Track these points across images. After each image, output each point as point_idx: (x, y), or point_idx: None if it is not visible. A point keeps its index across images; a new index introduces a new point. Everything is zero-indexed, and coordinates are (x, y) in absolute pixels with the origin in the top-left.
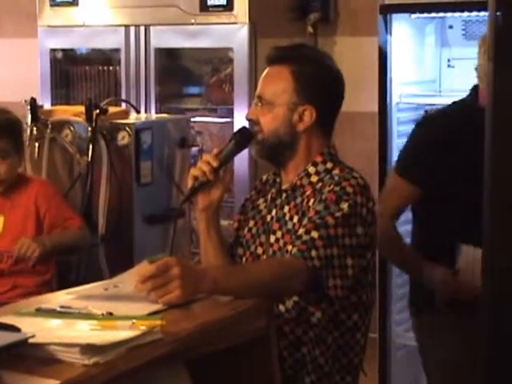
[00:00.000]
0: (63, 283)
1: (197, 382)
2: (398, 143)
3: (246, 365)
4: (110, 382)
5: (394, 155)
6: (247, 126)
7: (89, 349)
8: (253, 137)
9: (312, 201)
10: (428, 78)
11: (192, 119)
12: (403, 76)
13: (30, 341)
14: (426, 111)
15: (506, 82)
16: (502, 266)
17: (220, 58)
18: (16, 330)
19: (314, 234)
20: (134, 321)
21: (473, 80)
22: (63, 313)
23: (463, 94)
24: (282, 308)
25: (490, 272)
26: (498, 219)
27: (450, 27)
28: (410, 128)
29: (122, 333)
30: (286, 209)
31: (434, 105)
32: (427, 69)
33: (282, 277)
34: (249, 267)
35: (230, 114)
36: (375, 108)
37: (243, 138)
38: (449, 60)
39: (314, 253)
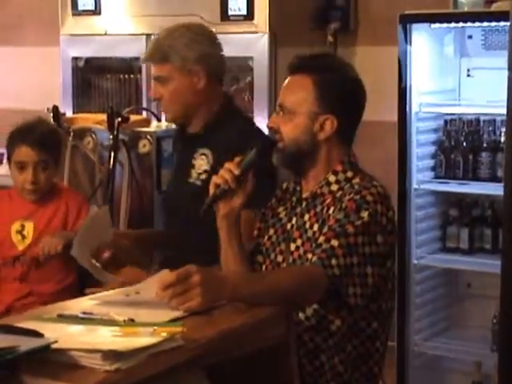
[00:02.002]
0: (83, 289)
1: None
2: (417, 152)
3: (265, 372)
4: None
5: (414, 164)
6: (268, 134)
7: (111, 355)
8: (274, 145)
9: (332, 209)
10: (447, 87)
11: None
12: (423, 85)
13: (53, 346)
14: (445, 121)
15: None
16: None
17: (240, 67)
18: (39, 335)
19: (334, 243)
20: (156, 327)
21: (492, 89)
22: (85, 319)
23: (482, 104)
24: (301, 316)
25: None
26: None
27: (470, 37)
28: (429, 137)
29: (143, 339)
30: (306, 217)
31: (453, 114)
32: (447, 78)
33: (302, 285)
34: (269, 275)
35: None
36: (395, 117)
37: (264, 146)
38: (468, 70)
39: (333, 261)
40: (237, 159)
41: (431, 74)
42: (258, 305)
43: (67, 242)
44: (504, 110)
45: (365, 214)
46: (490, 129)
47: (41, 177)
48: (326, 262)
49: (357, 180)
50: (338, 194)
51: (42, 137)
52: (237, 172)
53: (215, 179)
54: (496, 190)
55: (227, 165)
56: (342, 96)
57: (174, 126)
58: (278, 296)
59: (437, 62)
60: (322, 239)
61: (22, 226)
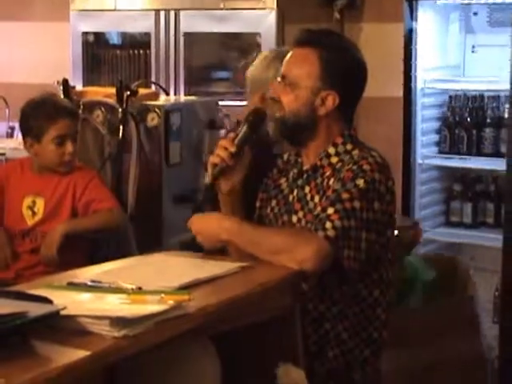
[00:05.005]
0: (92, 262)
1: (222, 356)
2: (422, 128)
3: (270, 341)
4: (139, 354)
5: (418, 140)
6: (259, 108)
7: (118, 321)
8: (265, 117)
9: (332, 180)
10: (452, 63)
11: (220, 102)
12: (428, 62)
13: (62, 313)
14: (449, 96)
15: None
16: None
17: (248, 43)
18: (48, 302)
19: (330, 210)
20: (163, 295)
21: (496, 66)
22: (94, 287)
23: (487, 80)
24: (304, 287)
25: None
26: None
27: (475, 14)
28: (434, 113)
29: (150, 307)
30: (307, 189)
31: (458, 90)
32: (451, 55)
33: (293, 236)
34: (263, 227)
35: None
36: (400, 93)
37: (256, 119)
38: (473, 46)
39: (328, 224)
40: (231, 136)
41: (436, 51)
42: (249, 249)
43: (68, 232)
44: (508, 86)
45: (360, 182)
46: (494, 105)
47: (76, 148)
48: (319, 226)
49: (356, 152)
50: (338, 166)
51: (72, 108)
52: (232, 149)
53: (212, 159)
54: (499, 165)
55: (222, 142)
56: (347, 74)
57: (182, 99)
58: (270, 241)
59: (442, 38)
60: (319, 209)
61: (33, 202)
